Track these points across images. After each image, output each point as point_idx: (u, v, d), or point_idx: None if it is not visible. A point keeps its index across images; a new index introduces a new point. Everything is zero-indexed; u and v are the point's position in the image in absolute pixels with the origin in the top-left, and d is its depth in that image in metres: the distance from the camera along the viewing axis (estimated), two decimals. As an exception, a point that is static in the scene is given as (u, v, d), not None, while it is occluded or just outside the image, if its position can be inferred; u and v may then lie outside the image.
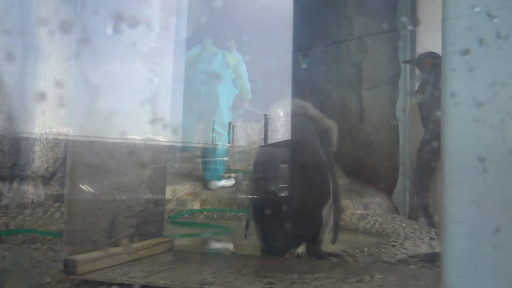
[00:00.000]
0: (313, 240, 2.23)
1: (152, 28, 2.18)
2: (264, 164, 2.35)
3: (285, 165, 2.25)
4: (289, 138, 2.30)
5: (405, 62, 5.40)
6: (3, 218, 3.60)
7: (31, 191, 4.61)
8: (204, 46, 5.72)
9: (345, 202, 5.07)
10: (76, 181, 1.78)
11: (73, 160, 1.77)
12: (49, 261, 2.22)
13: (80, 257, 1.75)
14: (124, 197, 2.05)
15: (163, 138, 2.26)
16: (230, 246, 3.72)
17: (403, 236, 3.40)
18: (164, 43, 2.26)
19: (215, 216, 4.72)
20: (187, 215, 4.67)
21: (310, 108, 2.44)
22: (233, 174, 5.69)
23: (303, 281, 1.66)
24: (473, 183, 0.75)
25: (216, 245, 3.66)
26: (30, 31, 4.47)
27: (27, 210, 4.09)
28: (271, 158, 2.32)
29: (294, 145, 2.26)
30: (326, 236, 2.33)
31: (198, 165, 5.58)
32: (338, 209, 2.25)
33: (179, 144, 6.10)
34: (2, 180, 4.37)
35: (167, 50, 2.29)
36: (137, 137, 2.12)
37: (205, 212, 4.83)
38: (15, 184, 4.50)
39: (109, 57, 1.91)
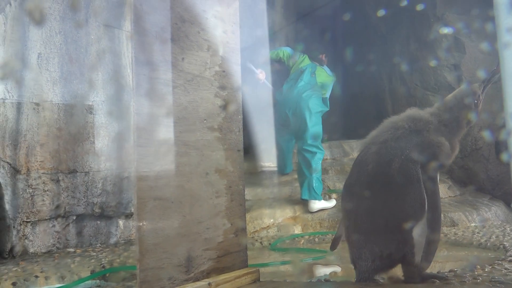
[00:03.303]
0: (407, 262, 2.00)
1: (215, 52, 2.11)
2: (355, 181, 2.18)
3: (376, 182, 2.06)
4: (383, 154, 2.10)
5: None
6: (110, 256, 3.70)
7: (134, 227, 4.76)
8: (293, 56, 5.62)
9: (457, 215, 4.67)
10: (145, 216, 1.73)
11: (140, 195, 1.72)
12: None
13: (154, 295, 1.68)
14: (200, 229, 1.97)
15: (237, 164, 2.17)
16: (334, 270, 3.53)
17: (524, 249, 3.01)
18: (229, 65, 2.19)
19: (316, 239, 4.55)
20: (287, 241, 4.54)
21: (419, 119, 2.21)
22: (333, 195, 5.49)
23: (392, 311, 1.46)
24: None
25: (317, 271, 3.50)
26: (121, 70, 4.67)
27: (133, 247, 4.20)
28: (362, 174, 2.14)
29: (384, 160, 2.07)
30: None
31: (297, 188, 5.45)
32: (434, 230, 1.99)
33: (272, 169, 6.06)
34: (108, 219, 4.54)
35: (233, 72, 2.21)
36: (208, 165, 2.05)
37: (306, 237, 4.67)
38: (121, 222, 4.65)
39: (170, 86, 1.87)
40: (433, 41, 5.91)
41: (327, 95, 5.53)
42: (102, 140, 4.46)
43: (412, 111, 2.27)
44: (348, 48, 6.72)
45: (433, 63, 5.82)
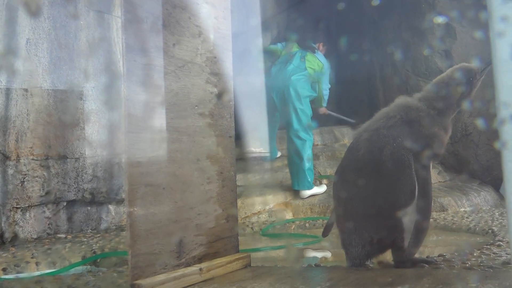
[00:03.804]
0: (397, 248, 2.02)
1: (206, 38, 2.10)
2: (346, 167, 2.20)
3: (367, 168, 2.08)
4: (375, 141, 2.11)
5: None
6: (101, 242, 3.70)
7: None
8: (286, 46, 5.56)
9: (446, 200, 4.72)
10: (136, 203, 1.73)
11: (131, 181, 1.72)
12: (128, 285, 2.21)
13: (146, 281, 1.69)
14: (191, 215, 1.98)
15: (228, 150, 2.18)
16: (324, 255, 3.57)
17: None
18: (221, 51, 2.18)
19: (307, 225, 4.59)
20: (278, 226, 4.57)
21: (409, 108, 2.21)
22: (324, 181, 5.51)
23: (382, 295, 1.48)
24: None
25: (308, 256, 3.53)
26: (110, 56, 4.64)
27: (124, 233, 4.20)
28: (353, 160, 2.16)
29: (375, 146, 2.08)
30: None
31: (288, 174, 5.46)
32: (424, 216, 2.01)
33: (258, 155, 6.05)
34: (99, 205, 4.54)
35: (225, 58, 2.20)
36: (200, 151, 2.05)
37: (297, 222, 4.70)
38: (111, 208, 4.66)
39: (161, 72, 1.86)
40: (425, 28, 5.91)
41: (324, 83, 5.45)
42: (93, 126, 4.44)
43: (401, 100, 2.27)
44: (340, 35, 6.70)
45: (426, 52, 5.81)
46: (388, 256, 2.17)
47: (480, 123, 4.87)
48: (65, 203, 4.23)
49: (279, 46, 5.66)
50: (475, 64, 2.36)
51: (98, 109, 4.47)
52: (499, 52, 0.62)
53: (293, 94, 5.12)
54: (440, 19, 5.61)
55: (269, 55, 5.67)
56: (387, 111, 2.22)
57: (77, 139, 4.32)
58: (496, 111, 0.61)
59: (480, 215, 4.20)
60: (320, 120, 6.18)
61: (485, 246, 2.69)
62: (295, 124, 5.12)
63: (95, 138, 4.46)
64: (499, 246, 2.64)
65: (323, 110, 6.02)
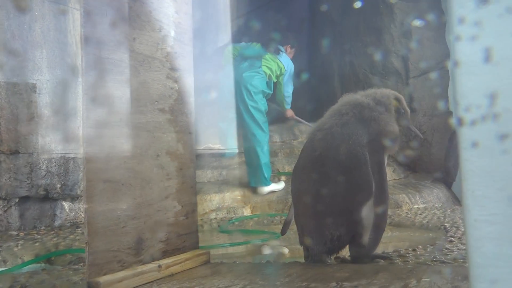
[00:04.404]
0: (355, 243, 2.06)
1: (167, 33, 2.08)
2: (303, 167, 2.22)
3: (324, 166, 2.11)
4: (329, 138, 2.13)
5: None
6: (55, 239, 3.62)
7: (82, 210, 4.65)
8: (247, 47, 5.48)
9: (401, 197, 4.83)
10: (94, 199, 1.70)
11: (89, 177, 1.69)
12: (85, 283, 2.17)
13: (104, 278, 1.66)
14: (150, 212, 1.96)
15: (188, 146, 2.16)
16: (282, 251, 3.59)
17: (463, 229, 3.15)
18: (181, 46, 2.16)
19: (265, 221, 4.60)
20: (237, 223, 4.57)
21: (361, 106, 2.23)
22: (282, 177, 5.54)
23: (340, 290, 1.50)
24: (499, 169, 0.59)
25: (265, 252, 3.55)
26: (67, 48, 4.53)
27: (79, 230, 4.12)
28: (310, 160, 2.18)
29: (331, 145, 2.11)
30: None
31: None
32: (380, 212, 2.05)
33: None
34: (53, 201, 4.43)
35: (185, 54, 2.19)
36: (160, 147, 2.03)
37: (255, 219, 4.71)
38: (66, 205, 4.55)
39: (120, 66, 1.83)
40: (382, 28, 6.03)
41: (286, 85, 5.42)
42: (47, 120, 4.33)
43: (348, 98, 2.30)
44: (301, 35, 6.74)
45: (384, 52, 5.93)
46: (345, 251, 2.21)
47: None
48: (17, 200, 4.10)
49: (239, 44, 5.57)
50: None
51: (52, 103, 4.35)
52: (458, 53, 0.64)
53: (244, 91, 5.10)
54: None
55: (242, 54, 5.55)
56: (338, 109, 2.24)
57: (31, 133, 4.19)
58: (462, 113, 0.63)
59: (433, 212, 4.32)
60: (279, 116, 6.18)
61: (437, 242, 2.77)
62: (249, 121, 5.11)
63: (49, 133, 4.34)
64: (451, 242, 2.72)
65: (289, 113, 5.91)
